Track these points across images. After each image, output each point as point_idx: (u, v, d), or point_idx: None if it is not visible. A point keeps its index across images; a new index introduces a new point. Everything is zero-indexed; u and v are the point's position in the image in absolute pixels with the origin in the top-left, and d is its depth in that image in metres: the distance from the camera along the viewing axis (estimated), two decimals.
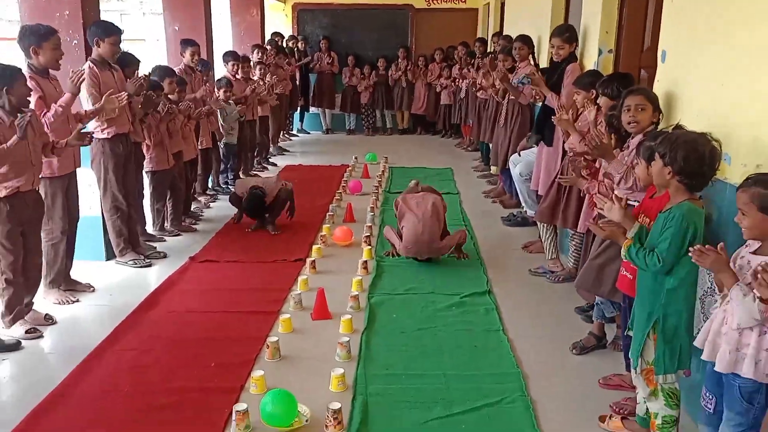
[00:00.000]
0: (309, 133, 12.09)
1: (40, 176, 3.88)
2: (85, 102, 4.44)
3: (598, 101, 3.99)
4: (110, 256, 4.97)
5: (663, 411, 2.61)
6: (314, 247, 5.24)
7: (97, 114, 4.41)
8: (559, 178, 4.29)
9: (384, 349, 3.59)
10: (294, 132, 11.85)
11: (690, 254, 2.22)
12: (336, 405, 2.87)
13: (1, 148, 3.42)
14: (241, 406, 2.85)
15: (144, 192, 5.42)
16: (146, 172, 5.38)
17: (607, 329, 3.66)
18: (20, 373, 3.39)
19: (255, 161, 8.51)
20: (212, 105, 6.38)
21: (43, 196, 3.97)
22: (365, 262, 4.83)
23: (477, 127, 8.65)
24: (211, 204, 6.73)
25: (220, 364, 3.39)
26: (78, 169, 4.39)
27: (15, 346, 3.60)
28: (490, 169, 7.91)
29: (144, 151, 5.26)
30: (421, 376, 3.30)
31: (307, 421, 2.88)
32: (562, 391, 3.22)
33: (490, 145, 7.47)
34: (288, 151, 10.20)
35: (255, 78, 8.12)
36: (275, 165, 8.98)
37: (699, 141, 2.46)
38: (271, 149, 9.53)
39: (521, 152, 5.86)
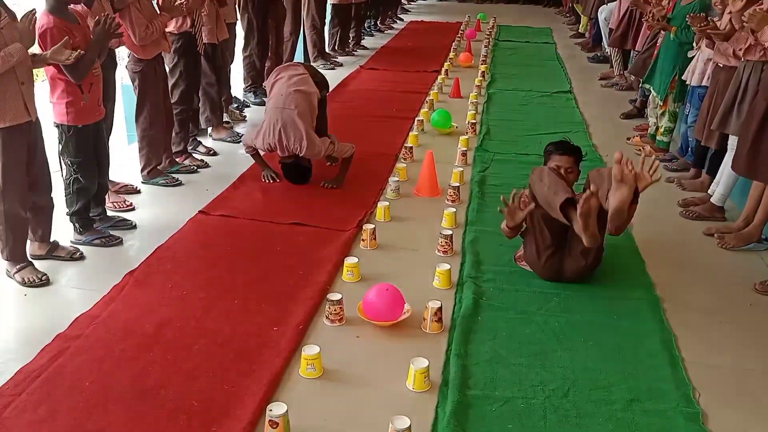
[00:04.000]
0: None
1: None
2: None
3: None
4: None
5: (666, 124, 4.62)
6: (445, 64, 7.31)
7: None
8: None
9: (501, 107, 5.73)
10: None
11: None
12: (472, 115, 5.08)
13: None
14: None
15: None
16: (331, 5, 7.55)
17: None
18: None
19: (388, 15, 10.50)
20: None
21: None
22: (483, 72, 6.88)
23: None
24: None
25: (390, 118, 5.61)
26: None
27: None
28: (580, 26, 9.65)
29: None
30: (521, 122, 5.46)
31: (457, 127, 5.08)
32: (607, 127, 5.28)
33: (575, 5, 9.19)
34: (409, 11, 12.10)
35: None
36: (402, 20, 10.97)
37: None
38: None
39: (608, 3, 7.56)
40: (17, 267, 2.85)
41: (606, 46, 7.54)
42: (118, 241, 3.22)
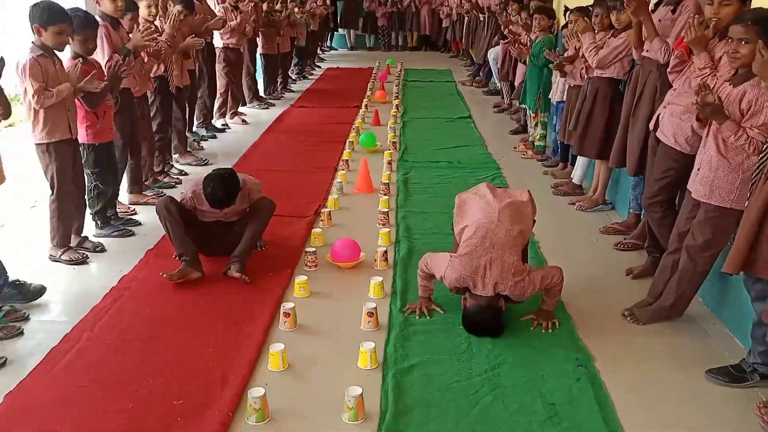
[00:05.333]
0: (337, 49, 15.29)
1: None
2: None
3: None
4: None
5: (539, 132, 6.02)
6: (364, 100, 8.58)
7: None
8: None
9: (414, 130, 7.00)
10: (326, 47, 15.02)
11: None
12: (392, 136, 6.30)
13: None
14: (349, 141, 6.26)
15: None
16: (260, 54, 8.70)
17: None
18: None
19: (307, 63, 11.76)
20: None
21: None
22: (396, 105, 8.18)
23: (466, 39, 11.92)
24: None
25: (325, 142, 6.78)
26: None
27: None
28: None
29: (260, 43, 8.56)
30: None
31: (381, 146, 6.28)
32: (499, 142, 6.64)
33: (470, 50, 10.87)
34: (324, 60, 13.45)
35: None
36: (320, 67, 12.27)
37: None
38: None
39: (494, 46, 9.13)
40: (62, 251, 3.71)
41: (497, 81, 9.08)
42: (132, 233, 4.13)
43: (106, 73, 3.96)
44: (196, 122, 6.75)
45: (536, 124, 6.07)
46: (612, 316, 3.22)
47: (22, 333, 2.96)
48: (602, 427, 2.38)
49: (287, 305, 3.04)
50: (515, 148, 6.39)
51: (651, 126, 3.49)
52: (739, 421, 2.48)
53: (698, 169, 2.95)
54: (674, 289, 3.05)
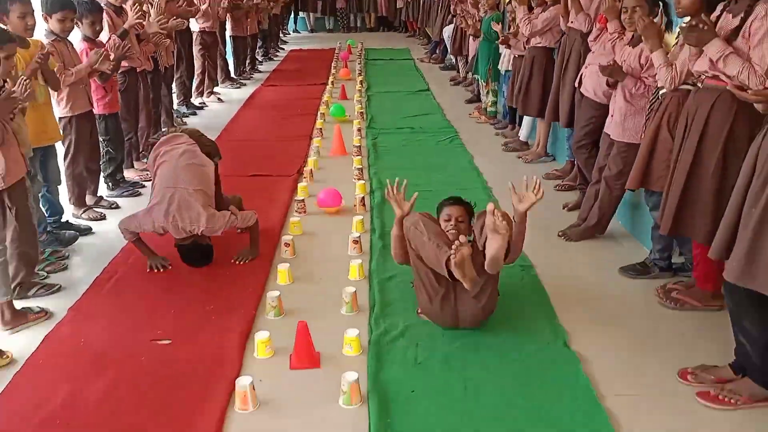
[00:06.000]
0: (299, 32, 15.78)
1: None
2: None
3: None
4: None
5: (491, 98, 6.76)
6: (330, 77, 9.20)
7: None
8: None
9: (379, 102, 7.67)
10: (286, 31, 15.50)
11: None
12: (359, 108, 6.96)
13: None
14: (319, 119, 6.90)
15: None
16: (230, 37, 9.22)
17: None
18: None
19: (271, 46, 12.28)
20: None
21: None
22: (361, 81, 8.83)
23: (420, 19, 12.62)
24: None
25: (298, 115, 7.40)
26: None
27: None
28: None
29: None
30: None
31: (350, 116, 6.92)
32: (456, 110, 7.36)
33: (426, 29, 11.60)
34: (287, 42, 13.96)
35: None
36: (283, 49, 12.79)
37: None
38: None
39: (448, 24, 9.84)
40: (81, 210, 4.29)
41: (450, 56, 9.80)
42: (139, 193, 4.72)
43: (112, 53, 4.52)
44: (176, 101, 7.28)
45: (488, 92, 6.81)
46: (550, 238, 3.98)
47: (66, 268, 3.57)
48: (540, 311, 3.14)
49: (286, 237, 3.71)
50: (470, 114, 7.12)
51: (576, 84, 4.24)
52: (643, 300, 3.26)
53: (612, 116, 3.71)
54: (596, 212, 3.82)
